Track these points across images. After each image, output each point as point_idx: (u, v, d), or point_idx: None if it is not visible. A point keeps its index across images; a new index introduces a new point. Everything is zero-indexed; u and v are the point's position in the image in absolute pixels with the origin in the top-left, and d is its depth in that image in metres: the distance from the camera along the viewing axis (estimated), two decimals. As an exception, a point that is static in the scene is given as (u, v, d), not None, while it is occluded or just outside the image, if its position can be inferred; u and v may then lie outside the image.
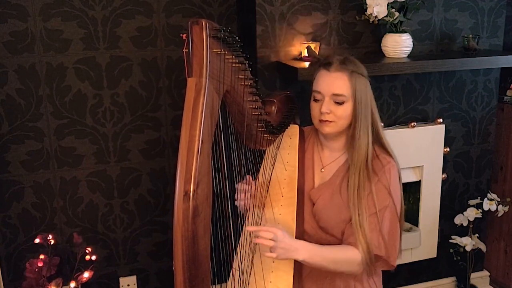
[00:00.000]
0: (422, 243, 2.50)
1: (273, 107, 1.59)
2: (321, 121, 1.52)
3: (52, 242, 2.21)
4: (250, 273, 1.41)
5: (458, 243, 2.45)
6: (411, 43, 2.19)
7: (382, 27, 2.22)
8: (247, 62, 1.24)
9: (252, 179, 1.57)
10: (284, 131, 1.74)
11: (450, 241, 2.47)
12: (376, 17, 2.10)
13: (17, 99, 2.22)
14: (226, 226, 1.31)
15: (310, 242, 1.52)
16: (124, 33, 2.28)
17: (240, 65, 1.21)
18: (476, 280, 2.69)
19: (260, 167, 1.63)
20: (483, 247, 2.50)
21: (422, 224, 2.50)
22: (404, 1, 2.10)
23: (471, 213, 2.44)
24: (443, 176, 2.49)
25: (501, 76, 2.51)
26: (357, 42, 2.25)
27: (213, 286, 1.16)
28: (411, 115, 2.40)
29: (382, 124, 1.61)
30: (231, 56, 1.15)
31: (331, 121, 1.51)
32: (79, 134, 2.33)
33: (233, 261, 1.44)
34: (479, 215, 2.44)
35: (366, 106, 1.50)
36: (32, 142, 2.28)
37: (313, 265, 1.42)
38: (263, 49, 2.13)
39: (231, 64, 1.17)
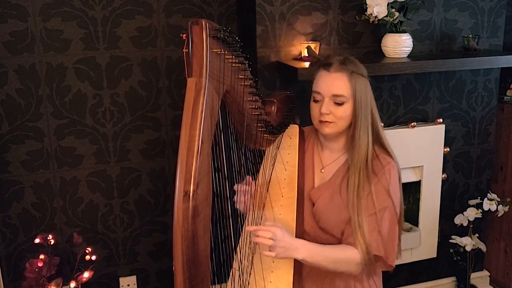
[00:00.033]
0: (422, 243, 2.50)
1: (273, 107, 1.59)
2: (321, 121, 1.52)
3: (52, 242, 2.21)
4: (250, 273, 1.41)
5: (458, 243, 2.45)
6: (411, 43, 2.19)
7: (382, 27, 2.22)
8: (247, 62, 1.24)
9: (252, 179, 1.56)
10: (284, 131, 1.74)
11: (450, 241, 2.47)
12: (376, 17, 2.10)
13: (17, 99, 2.22)
14: (226, 226, 1.31)
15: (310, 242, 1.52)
16: (124, 33, 2.28)
17: (240, 65, 1.21)
18: (476, 280, 2.69)
19: (260, 167, 1.63)
20: (483, 247, 2.50)
21: (422, 224, 2.50)
22: (404, 1, 2.10)
23: (471, 213, 2.44)
24: (443, 176, 2.49)
25: (501, 76, 2.51)
26: (357, 42, 2.25)
27: (213, 286, 1.16)
28: (411, 115, 2.40)
29: (382, 124, 1.61)
30: (231, 56, 1.15)
31: (331, 122, 1.50)
32: (79, 134, 2.33)
33: (233, 261, 1.44)
34: (479, 215, 2.44)
35: (366, 106, 1.50)
36: (32, 142, 2.28)
37: (312, 265, 1.42)
38: (263, 49, 2.13)
39: (231, 64, 1.17)
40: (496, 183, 2.67)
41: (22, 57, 2.19)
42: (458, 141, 2.52)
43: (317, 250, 1.41)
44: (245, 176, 1.54)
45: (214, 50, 1.06)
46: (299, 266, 1.43)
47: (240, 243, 1.50)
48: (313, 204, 1.58)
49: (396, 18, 2.10)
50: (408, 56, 2.21)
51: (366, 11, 2.12)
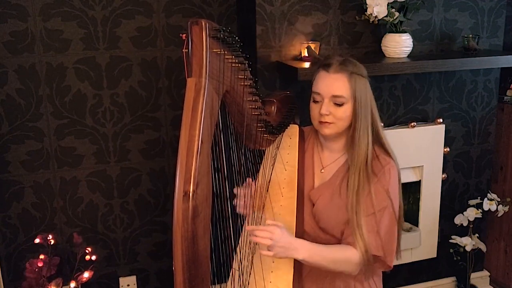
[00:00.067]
0: (422, 243, 2.50)
1: (273, 107, 1.59)
2: (320, 122, 1.52)
3: (52, 242, 2.21)
4: (250, 273, 1.41)
5: (458, 243, 2.45)
6: (411, 43, 2.19)
7: (382, 27, 2.22)
8: (247, 62, 1.24)
9: (252, 180, 1.56)
10: (284, 131, 1.74)
11: (450, 241, 2.47)
12: (376, 17, 2.10)
13: (17, 99, 2.22)
14: (225, 226, 1.31)
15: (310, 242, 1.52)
16: (124, 33, 2.28)
17: (240, 65, 1.21)
18: (476, 280, 2.69)
19: (260, 167, 1.63)
20: (483, 247, 2.50)
21: (422, 224, 2.50)
22: (404, 1, 2.10)
23: (471, 213, 2.44)
24: (443, 176, 2.49)
25: (501, 76, 2.51)
26: (357, 42, 2.25)
27: (213, 286, 1.16)
28: (411, 115, 2.40)
29: (382, 124, 1.61)
30: (230, 56, 1.15)
31: (330, 123, 1.50)
32: (79, 134, 2.33)
33: (232, 261, 1.44)
34: (479, 215, 2.44)
35: (366, 107, 1.50)
36: (32, 142, 2.28)
37: (312, 265, 1.42)
38: (263, 49, 2.13)
39: (231, 64, 1.17)
40: (496, 183, 2.67)
41: (22, 57, 2.19)
42: (458, 141, 2.52)
43: (317, 250, 1.41)
44: (245, 176, 1.54)
45: (214, 50, 1.06)
46: (299, 266, 1.43)
47: (240, 243, 1.50)
48: (313, 205, 1.58)
49: (396, 18, 2.10)
50: (408, 56, 2.21)
51: (366, 11, 2.12)
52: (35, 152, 2.29)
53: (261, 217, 1.53)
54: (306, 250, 1.38)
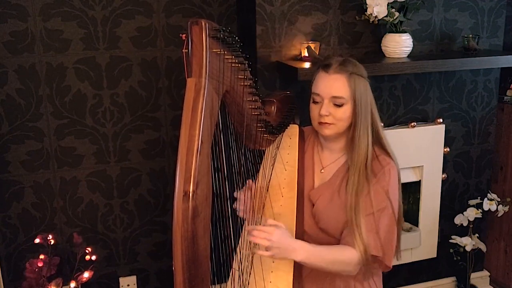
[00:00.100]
0: (422, 243, 2.50)
1: (273, 107, 1.59)
2: (320, 123, 1.52)
3: (52, 242, 2.21)
4: (250, 273, 1.41)
5: (458, 243, 2.45)
6: (411, 43, 2.19)
7: (382, 27, 2.22)
8: (247, 62, 1.24)
9: (252, 181, 1.56)
10: (283, 131, 1.74)
11: (450, 241, 2.47)
12: (376, 17, 2.10)
13: (17, 99, 2.22)
14: (225, 226, 1.31)
15: (310, 242, 1.51)
16: (124, 33, 2.28)
17: (239, 65, 1.21)
18: (476, 280, 2.69)
19: (260, 167, 1.63)
20: (483, 247, 2.50)
21: (422, 224, 2.50)
22: (404, 1, 2.10)
23: (471, 213, 2.44)
24: (443, 176, 2.49)
25: (501, 76, 2.51)
26: (357, 42, 2.25)
27: (213, 286, 1.16)
28: (411, 115, 2.40)
29: (382, 124, 1.60)
30: (230, 56, 1.15)
31: (330, 123, 1.50)
32: (79, 134, 2.33)
33: (232, 261, 1.44)
34: (479, 215, 2.44)
35: (366, 107, 1.50)
36: (32, 142, 2.28)
37: (310, 266, 1.42)
38: (263, 49, 2.13)
39: (231, 64, 1.17)
40: (496, 183, 2.67)
41: (22, 57, 2.19)
42: (458, 141, 2.52)
43: (315, 252, 1.40)
44: (245, 176, 1.54)
45: (214, 50, 1.06)
46: (299, 266, 1.43)
47: (240, 243, 1.50)
48: (313, 205, 1.58)
49: (396, 18, 2.10)
50: (408, 56, 2.21)
51: (366, 11, 2.12)
52: (35, 152, 2.29)
53: (261, 216, 1.53)
54: (304, 252, 1.37)
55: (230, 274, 1.42)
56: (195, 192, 0.97)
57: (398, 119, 2.39)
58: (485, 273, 2.75)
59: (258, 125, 1.46)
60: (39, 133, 2.28)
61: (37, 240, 2.20)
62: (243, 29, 2.31)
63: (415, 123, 2.37)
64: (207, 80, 1.03)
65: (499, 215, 2.47)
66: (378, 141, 1.55)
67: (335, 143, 1.59)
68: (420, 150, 2.38)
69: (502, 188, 2.63)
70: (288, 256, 1.36)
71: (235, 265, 1.44)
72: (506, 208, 2.45)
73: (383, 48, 2.21)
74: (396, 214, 1.51)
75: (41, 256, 2.17)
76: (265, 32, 2.11)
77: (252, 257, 1.46)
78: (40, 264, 2.13)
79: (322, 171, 1.61)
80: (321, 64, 1.54)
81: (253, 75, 1.31)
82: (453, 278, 2.67)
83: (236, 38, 1.14)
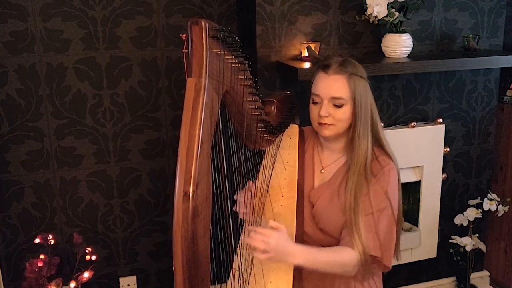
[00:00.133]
0: (422, 243, 2.50)
1: (273, 107, 1.59)
2: (320, 124, 1.52)
3: (52, 242, 2.21)
4: (250, 273, 1.41)
5: (458, 243, 2.45)
6: (411, 43, 2.19)
7: (382, 27, 2.22)
8: (247, 62, 1.24)
9: (252, 181, 1.56)
10: (284, 131, 1.74)
11: (450, 241, 2.47)
12: (376, 17, 2.10)
13: (17, 99, 2.22)
14: (225, 226, 1.31)
15: (310, 243, 1.51)
16: (124, 33, 2.28)
17: (239, 65, 1.21)
18: (476, 280, 2.69)
19: (260, 167, 1.63)
20: (483, 247, 2.50)
21: (422, 224, 2.50)
22: (404, 1, 2.10)
23: (471, 213, 2.44)
24: (443, 176, 2.49)
25: (501, 76, 2.51)
26: (357, 42, 2.25)
27: (213, 286, 1.16)
28: (411, 115, 2.40)
29: (382, 124, 1.60)
30: (230, 56, 1.15)
31: (330, 124, 1.50)
32: (79, 134, 2.33)
33: (233, 261, 1.44)
34: (479, 215, 2.44)
35: (366, 108, 1.50)
36: (32, 142, 2.28)
37: (309, 269, 1.41)
38: (263, 49, 2.13)
39: (231, 64, 1.17)
40: (496, 183, 2.67)
41: (22, 57, 2.19)
42: (458, 141, 2.52)
43: (314, 255, 1.39)
44: (245, 176, 1.54)
45: (214, 50, 1.06)
46: (299, 267, 1.43)
47: (240, 243, 1.49)
48: (313, 205, 1.58)
49: (396, 18, 2.10)
50: (408, 56, 2.21)
51: (366, 11, 2.12)
52: (35, 152, 2.29)
53: (261, 216, 1.53)
54: (302, 256, 1.36)
55: (230, 274, 1.42)
56: (195, 192, 0.97)
57: (398, 119, 2.39)
58: (485, 273, 2.75)
59: (258, 125, 1.46)
60: (39, 133, 2.28)
61: (37, 240, 2.21)
62: (243, 29, 2.31)
63: (415, 123, 2.37)
64: (207, 80, 1.03)
65: (499, 215, 2.47)
66: (378, 142, 1.55)
67: (335, 143, 1.58)
68: (420, 150, 2.38)
69: (502, 188, 2.63)
70: (285, 260, 1.34)
71: (235, 265, 1.44)
72: (506, 208, 2.45)
73: (383, 48, 2.21)
74: (395, 214, 1.51)
75: (41, 256, 2.17)
76: (265, 32, 2.11)
77: (252, 257, 1.46)
78: (40, 264, 2.13)
79: (322, 171, 1.61)
80: (321, 64, 1.54)
81: (253, 75, 1.31)
82: (453, 278, 2.67)
83: (236, 38, 1.14)
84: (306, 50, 2.10)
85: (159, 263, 2.56)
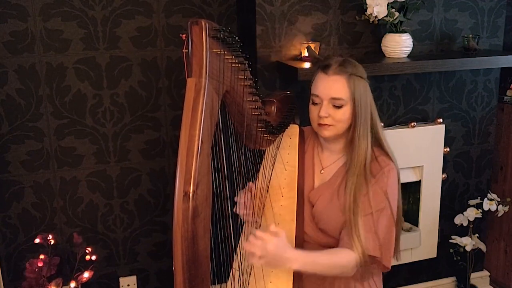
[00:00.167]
0: (422, 243, 2.50)
1: (273, 107, 1.59)
2: (320, 124, 1.51)
3: (52, 242, 2.21)
4: (250, 273, 1.41)
5: (458, 243, 2.45)
6: (411, 43, 2.19)
7: (382, 27, 2.22)
8: (247, 62, 1.24)
9: (252, 182, 1.56)
10: (284, 131, 1.74)
11: (450, 241, 2.47)
12: (376, 17, 2.10)
13: (17, 99, 2.22)
14: (225, 226, 1.31)
15: (310, 243, 1.51)
16: (124, 33, 2.28)
17: (239, 65, 1.21)
18: (476, 280, 2.69)
19: (260, 167, 1.63)
20: (483, 247, 2.50)
21: (422, 224, 2.50)
22: (404, 1, 2.10)
23: (471, 213, 2.44)
24: (443, 176, 2.49)
25: (501, 76, 2.51)
26: (357, 42, 2.25)
27: (213, 286, 1.16)
28: (411, 115, 2.40)
29: (382, 124, 1.60)
30: (230, 56, 1.15)
31: (330, 125, 1.50)
32: (79, 134, 2.33)
33: (233, 261, 1.44)
34: (479, 215, 2.44)
35: (366, 108, 1.50)
36: (32, 142, 2.28)
37: (307, 273, 1.40)
38: (263, 49, 2.13)
39: (231, 64, 1.17)
40: (496, 183, 2.67)
41: (22, 57, 2.19)
42: (458, 141, 2.52)
43: (312, 259, 1.38)
44: (245, 176, 1.54)
45: (214, 50, 1.06)
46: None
47: (240, 243, 1.49)
48: (313, 205, 1.58)
49: (396, 18, 2.10)
50: (408, 56, 2.21)
51: (366, 11, 2.12)
52: (35, 152, 2.29)
53: (261, 216, 1.53)
54: (299, 261, 1.34)
55: (230, 274, 1.42)
56: (195, 192, 0.97)
57: (398, 119, 2.39)
58: (485, 273, 2.75)
59: (258, 125, 1.46)
60: (39, 133, 2.28)
61: (37, 240, 2.21)
62: (243, 29, 2.31)
63: (415, 123, 2.37)
64: (207, 80, 1.03)
65: (499, 215, 2.47)
66: (377, 143, 1.55)
67: (334, 144, 1.58)
68: (420, 150, 2.38)
69: (502, 188, 2.63)
70: (282, 265, 1.32)
71: (235, 265, 1.44)
72: (506, 208, 2.45)
73: (383, 48, 2.21)
74: (395, 215, 1.50)
75: (41, 256, 2.17)
76: (265, 32, 2.11)
77: (252, 257, 1.46)
78: (40, 264, 2.13)
79: (322, 171, 1.61)
80: (320, 65, 1.53)
81: (253, 75, 1.31)
82: (453, 278, 2.67)
83: (236, 38, 1.14)
84: (306, 50, 2.10)
85: (159, 263, 2.56)
